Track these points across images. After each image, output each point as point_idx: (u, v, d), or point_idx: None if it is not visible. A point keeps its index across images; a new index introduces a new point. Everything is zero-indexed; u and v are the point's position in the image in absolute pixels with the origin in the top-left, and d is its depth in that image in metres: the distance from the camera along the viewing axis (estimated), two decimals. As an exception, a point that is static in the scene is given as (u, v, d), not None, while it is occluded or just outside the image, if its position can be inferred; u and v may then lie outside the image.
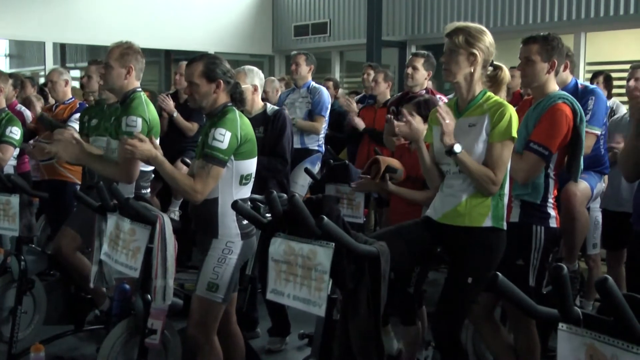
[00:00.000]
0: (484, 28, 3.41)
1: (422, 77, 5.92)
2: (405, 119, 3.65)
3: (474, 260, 3.30)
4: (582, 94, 4.51)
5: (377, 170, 4.30)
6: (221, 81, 3.61)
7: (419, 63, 5.91)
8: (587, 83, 5.24)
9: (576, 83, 4.66)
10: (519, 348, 3.75)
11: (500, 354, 3.76)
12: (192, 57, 3.70)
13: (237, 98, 3.68)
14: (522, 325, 3.74)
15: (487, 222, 3.33)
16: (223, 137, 3.47)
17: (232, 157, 3.52)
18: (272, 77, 8.32)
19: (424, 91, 5.81)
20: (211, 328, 3.59)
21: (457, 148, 3.26)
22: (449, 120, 3.30)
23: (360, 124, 6.71)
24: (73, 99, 6.51)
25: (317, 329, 3.12)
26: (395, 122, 3.80)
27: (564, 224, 4.26)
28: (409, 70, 5.92)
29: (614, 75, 7.59)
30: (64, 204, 6.18)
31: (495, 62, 3.49)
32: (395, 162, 4.38)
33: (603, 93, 5.27)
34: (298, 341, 4.41)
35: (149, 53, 5.48)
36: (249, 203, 3.70)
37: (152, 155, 3.54)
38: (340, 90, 9.05)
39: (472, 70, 3.36)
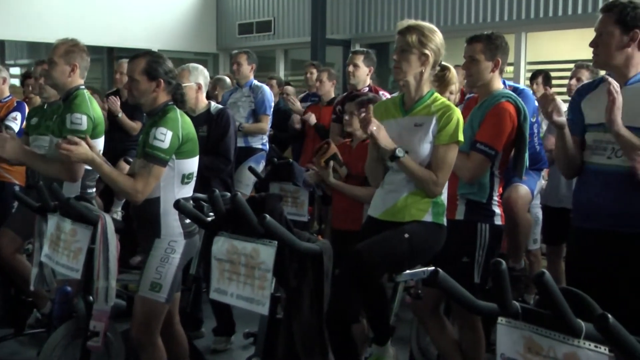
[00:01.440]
0: (435, 28, 3.43)
1: (363, 74, 6.03)
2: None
3: (412, 229, 3.30)
4: None
5: (324, 151, 4.35)
6: (162, 80, 3.57)
7: (359, 60, 6.02)
8: (516, 84, 5.34)
9: (504, 83, 4.74)
10: (464, 342, 3.80)
11: (445, 348, 3.81)
12: (135, 54, 3.66)
13: (179, 99, 3.65)
14: (466, 320, 3.78)
15: (427, 218, 3.37)
16: (164, 137, 3.43)
17: (174, 157, 3.50)
18: (224, 77, 8.27)
19: (367, 88, 5.86)
20: (154, 329, 3.55)
21: (400, 152, 3.29)
22: (376, 128, 3.26)
23: (312, 119, 6.74)
24: (10, 97, 6.35)
25: (260, 328, 3.12)
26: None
27: (508, 229, 4.35)
28: (350, 69, 6.02)
29: (554, 74, 7.75)
30: (2, 205, 6.03)
31: (443, 63, 3.53)
32: (342, 158, 4.43)
33: (534, 94, 5.39)
34: (243, 340, 4.40)
35: (92, 50, 5.38)
36: (192, 202, 3.68)
37: (88, 158, 3.48)
38: (291, 88, 9.05)
39: (423, 70, 3.39)
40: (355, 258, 3.18)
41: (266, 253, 2.73)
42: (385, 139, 3.29)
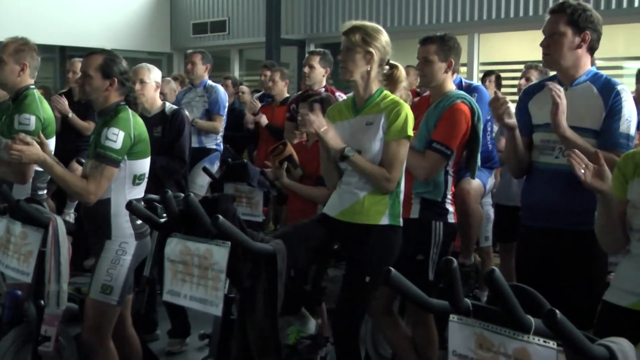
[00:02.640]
0: (380, 27, 3.47)
1: (319, 75, 6.06)
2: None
3: (373, 258, 3.34)
4: (466, 91, 4.64)
5: (280, 152, 4.35)
6: (116, 80, 3.53)
7: (315, 61, 6.05)
8: (471, 81, 5.42)
9: (461, 81, 4.81)
10: (417, 340, 3.83)
11: (399, 346, 3.84)
12: (92, 51, 3.61)
13: (131, 101, 3.61)
14: (419, 318, 3.82)
15: (385, 220, 3.39)
16: (116, 137, 3.40)
17: (126, 157, 3.46)
18: (168, 78, 8.21)
19: (323, 89, 5.88)
20: (106, 332, 3.51)
21: (349, 152, 3.30)
22: (324, 129, 3.31)
23: (264, 120, 6.74)
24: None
25: (214, 329, 3.11)
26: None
27: (460, 221, 4.40)
28: (306, 69, 6.05)
29: (505, 75, 7.90)
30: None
31: (391, 61, 3.56)
32: (297, 159, 4.43)
33: (487, 91, 5.47)
34: (198, 342, 4.37)
35: (43, 49, 5.29)
36: (144, 203, 3.64)
37: (40, 159, 3.42)
38: (246, 88, 9.04)
39: (369, 69, 3.41)
40: (336, 322, 3.37)
41: (219, 254, 2.72)
42: (333, 139, 3.32)
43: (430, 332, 3.82)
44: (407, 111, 3.37)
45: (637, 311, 2.48)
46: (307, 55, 6.38)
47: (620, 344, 2.05)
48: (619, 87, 3.18)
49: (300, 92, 6.26)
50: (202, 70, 6.75)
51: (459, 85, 4.72)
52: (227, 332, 3.03)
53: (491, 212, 5.53)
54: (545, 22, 3.28)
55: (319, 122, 3.29)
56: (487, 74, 7.87)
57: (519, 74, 6.54)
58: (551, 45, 3.22)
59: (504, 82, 7.84)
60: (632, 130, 3.16)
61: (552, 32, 3.21)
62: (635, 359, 2.07)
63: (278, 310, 2.85)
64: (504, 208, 5.52)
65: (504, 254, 5.66)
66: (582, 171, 2.54)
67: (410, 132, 3.38)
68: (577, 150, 2.61)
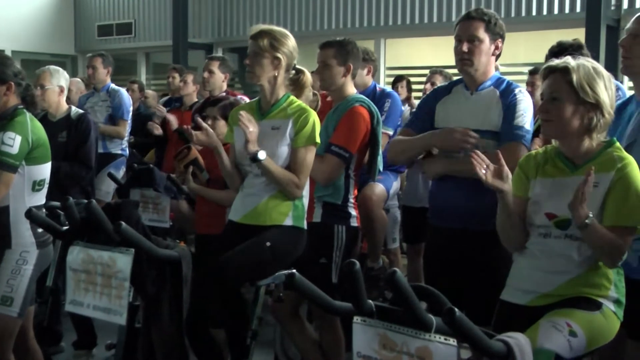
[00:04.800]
0: (287, 32, 3.49)
1: (219, 80, 6.06)
2: (204, 126, 3.64)
3: (275, 237, 3.34)
4: (379, 97, 4.76)
5: (185, 156, 4.31)
6: (12, 83, 3.43)
7: (215, 67, 6.04)
8: (385, 87, 5.51)
9: (375, 86, 4.89)
10: (324, 343, 3.86)
11: (306, 350, 3.86)
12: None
13: (29, 100, 3.50)
14: (326, 321, 3.85)
15: (288, 221, 3.40)
16: (13, 142, 3.29)
17: (24, 162, 3.35)
18: (77, 79, 8.01)
19: (224, 93, 5.85)
20: (7, 345, 3.39)
21: (262, 155, 3.30)
22: (252, 128, 3.32)
23: (173, 120, 6.64)
24: None
25: (119, 338, 3.05)
26: (193, 132, 3.79)
27: (364, 226, 4.46)
28: (206, 74, 6.04)
29: (412, 79, 8.09)
30: None
31: (297, 66, 3.58)
32: (203, 163, 4.39)
33: (399, 97, 5.59)
34: (105, 352, 4.28)
35: None
36: (45, 210, 3.53)
37: None
38: (152, 92, 8.90)
39: (276, 74, 3.43)
40: (217, 270, 3.18)
41: (123, 261, 2.68)
42: (254, 140, 3.31)
43: (336, 334, 3.86)
44: (314, 118, 3.40)
45: (534, 307, 2.57)
46: (206, 60, 6.35)
47: (517, 339, 2.14)
48: (516, 90, 3.33)
49: (203, 100, 6.19)
50: (103, 74, 6.62)
51: (373, 91, 4.79)
52: (132, 341, 2.98)
53: (398, 214, 5.63)
54: (461, 28, 3.33)
55: (248, 120, 3.30)
56: (397, 79, 8.07)
57: (423, 79, 6.72)
58: (471, 50, 3.30)
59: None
60: (528, 124, 3.29)
61: (472, 37, 3.29)
62: (530, 352, 2.16)
63: (184, 316, 2.82)
64: (411, 209, 5.62)
65: (412, 254, 5.76)
66: (483, 171, 2.62)
67: (318, 139, 3.42)
68: (478, 152, 2.69)
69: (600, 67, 2.60)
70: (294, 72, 3.56)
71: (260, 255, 3.29)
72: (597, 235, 2.46)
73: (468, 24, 3.31)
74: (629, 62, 2.94)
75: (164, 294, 2.79)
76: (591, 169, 2.44)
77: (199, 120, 3.86)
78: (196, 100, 6.94)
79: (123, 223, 2.60)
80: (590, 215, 2.43)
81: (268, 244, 3.30)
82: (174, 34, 11.47)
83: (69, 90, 7.51)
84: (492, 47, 3.31)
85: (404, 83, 7.87)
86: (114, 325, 2.97)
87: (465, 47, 3.30)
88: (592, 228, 2.44)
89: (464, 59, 3.31)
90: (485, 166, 2.62)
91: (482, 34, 3.28)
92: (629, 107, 3.01)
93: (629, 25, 2.98)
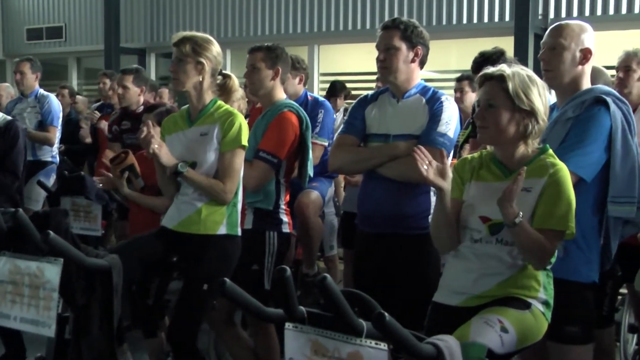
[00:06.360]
0: (210, 37, 3.49)
1: (135, 95, 5.60)
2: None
3: (210, 268, 3.35)
4: (312, 107, 4.72)
5: (121, 160, 4.25)
6: None
7: (129, 81, 5.56)
8: (317, 95, 5.51)
9: (306, 95, 4.89)
10: (259, 349, 3.86)
11: (241, 357, 3.84)
12: None
13: None
14: (259, 328, 3.85)
15: (222, 230, 3.40)
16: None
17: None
18: (7, 84, 7.81)
19: (142, 107, 5.58)
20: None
21: (182, 168, 3.30)
22: (156, 144, 3.27)
23: (104, 125, 6.51)
24: None
25: (48, 351, 2.99)
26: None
27: (300, 234, 4.47)
28: (120, 90, 5.61)
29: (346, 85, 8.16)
30: None
31: (224, 71, 3.58)
32: (139, 170, 4.34)
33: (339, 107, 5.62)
34: (34, 365, 4.16)
35: None
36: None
37: None
38: (81, 98, 8.73)
39: (201, 79, 3.42)
40: (171, 335, 3.39)
41: (51, 271, 2.63)
42: (166, 156, 3.31)
43: (270, 341, 3.85)
44: (241, 121, 3.40)
45: (465, 308, 2.63)
46: (119, 75, 5.88)
47: (447, 341, 2.18)
48: (442, 98, 3.40)
49: (119, 113, 5.91)
50: (32, 80, 6.48)
51: (305, 99, 4.78)
52: (62, 353, 2.92)
53: (335, 221, 5.65)
54: (379, 38, 3.41)
55: (154, 140, 3.26)
56: (334, 92, 8.03)
57: (356, 85, 6.78)
58: (387, 59, 3.36)
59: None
60: (452, 133, 3.36)
61: (388, 46, 3.36)
62: (460, 354, 2.20)
63: (114, 326, 2.78)
64: (349, 214, 5.62)
65: (348, 259, 5.79)
66: (425, 167, 2.65)
67: (245, 142, 3.41)
68: (421, 147, 2.72)
69: (535, 75, 2.67)
70: (220, 77, 3.57)
71: (202, 300, 3.38)
72: (526, 235, 2.53)
73: (384, 34, 3.39)
74: (550, 74, 3.03)
75: (94, 304, 2.74)
76: (523, 169, 2.52)
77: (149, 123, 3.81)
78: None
79: (51, 232, 2.55)
80: (520, 214, 2.50)
81: (205, 286, 3.34)
82: (106, 38, 11.30)
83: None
84: (411, 55, 3.37)
85: (342, 95, 7.90)
86: (43, 338, 2.91)
87: (382, 56, 3.37)
88: (521, 227, 2.51)
89: (383, 67, 3.39)
90: (427, 162, 2.65)
91: (398, 42, 3.34)
92: (553, 113, 3.11)
93: (545, 38, 3.06)
